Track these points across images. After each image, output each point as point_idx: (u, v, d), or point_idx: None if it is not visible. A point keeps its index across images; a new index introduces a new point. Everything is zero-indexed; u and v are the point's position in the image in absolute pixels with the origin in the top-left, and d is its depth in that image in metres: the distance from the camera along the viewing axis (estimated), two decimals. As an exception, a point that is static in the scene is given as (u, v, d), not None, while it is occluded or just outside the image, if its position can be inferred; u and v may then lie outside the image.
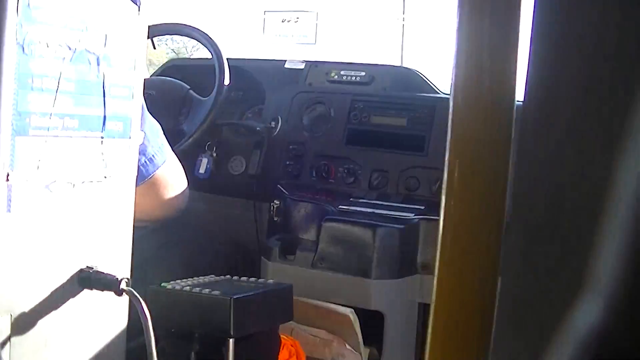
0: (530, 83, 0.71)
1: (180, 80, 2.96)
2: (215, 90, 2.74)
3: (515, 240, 0.74)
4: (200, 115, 2.74)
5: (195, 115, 2.78)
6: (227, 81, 2.73)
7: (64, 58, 1.48)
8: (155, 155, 1.99)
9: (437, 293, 0.77)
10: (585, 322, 0.59)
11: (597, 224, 0.63)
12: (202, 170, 2.91)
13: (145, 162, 1.95)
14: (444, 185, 0.75)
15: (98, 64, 1.56)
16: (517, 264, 0.74)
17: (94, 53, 1.55)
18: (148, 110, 1.98)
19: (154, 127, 2.01)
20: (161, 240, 2.48)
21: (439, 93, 2.86)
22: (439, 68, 3.00)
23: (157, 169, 2.01)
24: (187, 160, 2.59)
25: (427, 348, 0.80)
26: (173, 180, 2.12)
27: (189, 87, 2.89)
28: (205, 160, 2.92)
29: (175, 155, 2.13)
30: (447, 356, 0.81)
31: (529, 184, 0.72)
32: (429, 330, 0.79)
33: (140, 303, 1.59)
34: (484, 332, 0.77)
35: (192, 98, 2.86)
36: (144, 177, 1.96)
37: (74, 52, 1.50)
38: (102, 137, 1.60)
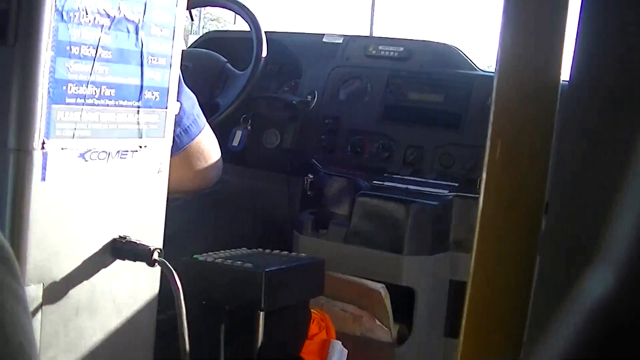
0: (577, 64, 0.70)
1: (218, 52, 2.96)
2: (252, 64, 2.73)
3: (554, 220, 0.73)
4: (236, 89, 2.73)
5: (231, 89, 2.77)
6: (264, 53, 2.72)
7: (103, 26, 1.48)
8: (190, 127, 1.98)
9: (474, 271, 0.76)
10: (594, 291, 0.58)
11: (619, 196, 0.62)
12: (235, 143, 2.90)
13: (180, 133, 1.95)
14: (485, 164, 0.74)
15: (137, 33, 1.56)
16: (555, 246, 0.73)
17: (132, 21, 1.54)
18: (184, 82, 1.97)
19: (190, 98, 2.01)
20: (194, 213, 2.48)
21: (477, 70, 2.84)
22: (478, 45, 2.97)
23: (192, 140, 2.00)
24: (222, 133, 2.58)
25: (463, 326, 0.79)
26: (207, 151, 2.11)
27: (226, 60, 2.88)
28: (239, 133, 2.91)
29: (210, 127, 2.13)
30: (481, 336, 0.80)
31: (570, 165, 0.71)
32: (465, 309, 0.78)
33: (173, 274, 1.59)
34: (520, 313, 0.76)
35: (228, 71, 2.85)
36: (179, 148, 1.95)
37: (113, 20, 1.50)
38: (138, 107, 1.59)
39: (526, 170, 0.74)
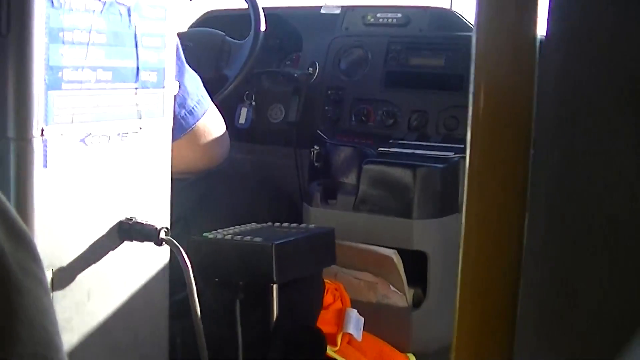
0: (552, 19, 0.70)
1: (218, 30, 2.95)
2: (251, 41, 2.73)
3: (542, 168, 0.73)
4: (241, 58, 2.73)
5: (236, 59, 2.77)
6: (262, 27, 2.71)
7: (94, 10, 1.48)
8: (195, 107, 1.99)
9: (466, 229, 0.77)
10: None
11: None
12: (242, 121, 2.90)
13: (186, 114, 1.95)
14: (469, 124, 0.75)
15: (129, 15, 1.56)
16: (544, 197, 0.73)
17: (124, 4, 1.55)
18: (187, 62, 1.97)
19: (194, 79, 2.01)
20: (203, 191, 2.49)
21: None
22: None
23: (198, 120, 2.01)
24: (227, 111, 2.59)
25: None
26: (214, 131, 2.12)
27: (224, 33, 2.88)
28: (245, 110, 2.91)
29: (215, 107, 2.13)
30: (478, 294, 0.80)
31: (552, 116, 0.72)
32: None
33: (181, 252, 1.60)
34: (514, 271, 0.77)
35: (229, 43, 2.85)
36: (185, 129, 1.96)
37: (105, 3, 1.50)
38: (136, 88, 1.60)
39: (510, 127, 0.74)
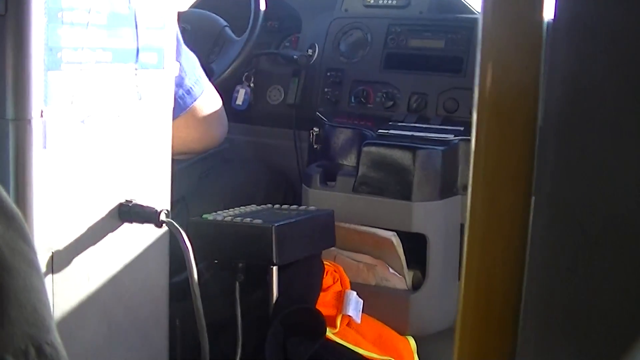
0: (561, 1, 0.69)
1: (217, 11, 2.94)
2: (250, 21, 2.72)
3: (546, 161, 0.73)
4: (231, 55, 2.72)
5: (226, 55, 2.76)
6: (262, 6, 2.70)
7: (94, -10, 1.48)
8: (193, 87, 1.99)
9: (471, 208, 0.76)
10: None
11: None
12: (239, 102, 2.89)
13: (183, 94, 1.95)
14: (475, 105, 0.74)
15: (129, -5, 1.56)
16: (550, 186, 0.73)
17: (123, -16, 1.54)
18: (186, 46, 1.97)
19: (191, 59, 2.01)
20: (202, 172, 2.49)
21: (476, 14, 2.82)
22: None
23: (195, 100, 2.01)
24: (225, 92, 2.58)
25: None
26: (212, 110, 2.12)
27: (225, 24, 2.87)
28: (242, 92, 2.91)
29: (212, 86, 2.13)
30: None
31: (560, 103, 0.71)
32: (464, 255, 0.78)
33: (181, 233, 1.60)
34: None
35: (225, 36, 2.84)
36: (183, 109, 1.96)
37: (103, -16, 1.50)
38: (136, 69, 1.59)
39: (516, 112, 0.73)
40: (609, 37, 0.68)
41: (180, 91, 1.93)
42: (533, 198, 0.75)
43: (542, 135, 0.74)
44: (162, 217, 1.60)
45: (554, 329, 0.75)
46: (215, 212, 2.04)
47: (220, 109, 2.18)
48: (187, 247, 1.60)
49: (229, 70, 2.66)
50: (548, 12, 0.73)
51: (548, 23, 0.73)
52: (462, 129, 2.47)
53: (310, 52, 2.86)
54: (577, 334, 0.73)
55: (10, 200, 0.89)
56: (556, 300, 0.74)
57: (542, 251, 0.75)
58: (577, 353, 0.74)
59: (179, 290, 1.83)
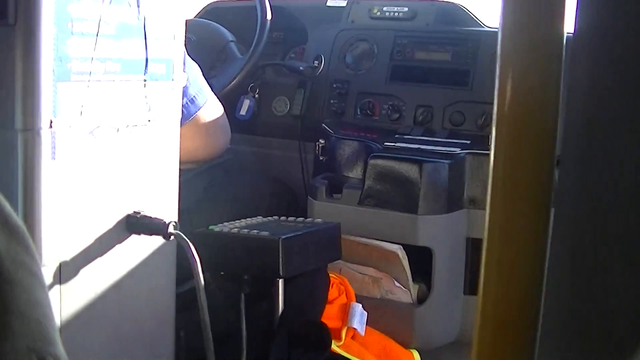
0: (581, 15, 0.69)
1: (222, 22, 2.94)
2: (257, 32, 2.72)
3: (567, 174, 0.72)
4: (230, 74, 2.71)
5: (226, 72, 2.75)
6: (269, 17, 2.70)
7: (103, 1, 1.47)
8: (196, 96, 1.99)
9: (490, 226, 0.75)
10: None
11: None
12: (243, 112, 2.89)
13: (187, 103, 1.95)
14: (494, 119, 0.73)
15: (138, 6, 1.55)
16: (571, 200, 0.72)
17: (133, -5, 1.54)
18: (189, 55, 1.97)
19: (194, 69, 2.01)
20: (206, 183, 2.48)
21: (482, 27, 2.82)
22: (482, 2, 2.93)
23: (199, 109, 2.01)
24: (229, 103, 2.57)
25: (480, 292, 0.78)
26: (215, 119, 2.12)
27: (230, 39, 2.87)
28: (247, 102, 2.90)
29: (215, 96, 2.13)
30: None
31: (581, 117, 0.70)
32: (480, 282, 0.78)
33: (189, 246, 1.59)
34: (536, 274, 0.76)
35: (229, 52, 2.83)
36: (187, 118, 1.96)
37: (113, -6, 1.49)
38: (144, 80, 1.59)
39: (535, 127, 0.73)
40: (630, 50, 0.68)
41: (184, 100, 1.93)
42: (552, 210, 0.75)
43: (562, 148, 0.73)
44: (171, 229, 1.59)
45: (572, 341, 0.74)
46: (222, 223, 2.04)
47: (223, 118, 2.18)
48: (195, 260, 1.60)
49: (232, 84, 2.66)
50: (568, 26, 0.73)
51: (568, 36, 0.73)
52: (468, 142, 2.47)
53: (316, 63, 2.86)
54: (596, 345, 0.73)
55: (13, 212, 0.88)
56: (575, 312, 0.74)
57: (561, 263, 0.74)
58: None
59: (183, 301, 1.83)
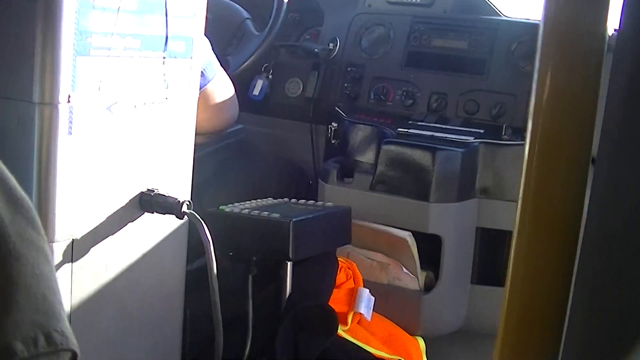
0: (627, 11, 0.68)
1: (240, 1, 2.92)
2: (273, 13, 2.70)
3: (602, 173, 0.71)
4: (247, 52, 2.70)
5: (243, 50, 2.74)
6: None
7: (125, -23, 1.46)
8: (205, 70, 1.99)
9: (520, 220, 0.75)
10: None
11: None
12: (255, 92, 2.88)
13: None
14: (530, 116, 0.72)
15: (160, -18, 1.54)
16: (604, 198, 0.71)
17: (155, -29, 1.53)
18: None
19: (204, 42, 2.00)
20: (217, 163, 2.48)
21: (500, 16, 2.80)
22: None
23: (208, 82, 2.01)
24: (243, 82, 2.57)
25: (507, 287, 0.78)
26: (223, 93, 2.12)
27: (247, 16, 2.85)
28: (260, 82, 2.89)
29: (223, 70, 2.13)
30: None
31: (619, 115, 0.69)
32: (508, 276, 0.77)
33: (203, 226, 1.59)
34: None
35: (245, 29, 2.82)
36: None
37: (135, -30, 1.48)
38: (164, 57, 1.58)
39: (572, 121, 0.72)
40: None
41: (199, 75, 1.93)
42: (587, 202, 0.74)
43: (598, 146, 0.72)
44: (184, 208, 1.59)
45: (598, 336, 0.74)
46: (232, 204, 2.03)
47: (231, 92, 2.18)
48: (208, 240, 1.59)
49: (245, 64, 2.65)
50: (612, 22, 0.72)
51: (612, 33, 0.72)
52: (482, 131, 2.46)
53: (331, 46, 2.85)
54: (621, 342, 0.72)
55: (17, 186, 0.88)
56: (603, 307, 0.73)
57: (591, 259, 0.74)
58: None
59: (189, 281, 1.82)
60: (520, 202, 0.74)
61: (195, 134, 1.97)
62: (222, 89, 2.12)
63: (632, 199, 0.68)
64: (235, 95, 2.21)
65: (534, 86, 0.72)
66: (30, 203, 0.88)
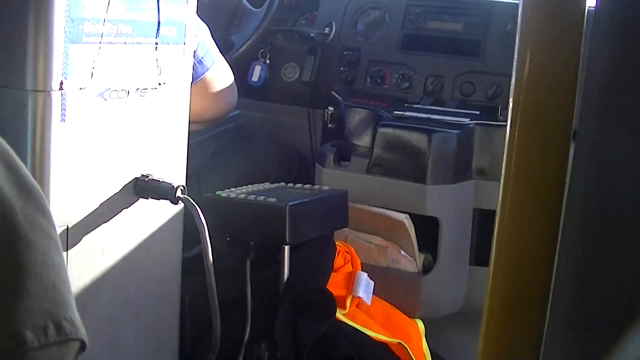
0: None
1: None
2: (267, 2, 2.71)
3: (583, 147, 0.72)
4: (250, 27, 2.71)
5: (245, 27, 2.75)
6: None
7: (117, -37, 1.46)
8: (204, 57, 1.99)
9: (502, 200, 0.75)
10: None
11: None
12: (255, 78, 2.88)
13: (195, 64, 1.94)
14: (511, 92, 0.73)
15: (151, -31, 1.54)
16: (585, 173, 0.72)
17: (146, -43, 1.53)
18: (198, 16, 1.96)
19: (203, 30, 2.00)
20: (215, 148, 2.48)
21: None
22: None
23: (207, 70, 2.01)
24: (241, 68, 2.57)
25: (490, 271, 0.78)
26: (222, 80, 2.12)
27: None
28: (258, 68, 2.89)
29: (223, 58, 2.12)
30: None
31: (599, 89, 0.70)
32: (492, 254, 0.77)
33: (197, 210, 1.59)
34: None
35: (244, 8, 2.83)
36: (195, 78, 1.95)
37: (126, -44, 1.48)
38: (156, 43, 1.58)
39: (552, 100, 0.72)
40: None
41: (192, 61, 1.93)
42: (567, 183, 0.74)
43: (579, 120, 0.73)
44: (179, 193, 1.59)
45: (580, 320, 0.74)
46: (229, 189, 2.04)
47: (230, 79, 2.18)
48: (203, 225, 1.60)
49: (249, 41, 2.65)
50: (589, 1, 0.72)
51: (589, 10, 0.72)
52: (477, 112, 2.46)
53: (327, 30, 2.85)
54: (603, 325, 0.73)
55: (29, 174, 0.88)
56: (586, 291, 0.73)
57: (573, 241, 0.74)
58: (607, 340, 0.73)
59: (188, 266, 1.83)
60: (503, 179, 0.75)
61: (195, 123, 1.98)
62: (222, 76, 2.12)
63: (612, 172, 0.69)
64: (234, 83, 2.21)
65: (515, 64, 0.73)
66: (40, 191, 0.89)
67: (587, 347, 0.73)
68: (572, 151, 0.73)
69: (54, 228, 0.89)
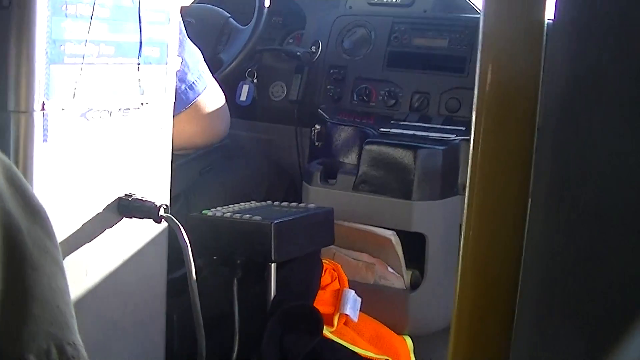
0: (560, 3, 0.69)
1: (220, 6, 2.94)
2: (255, 15, 2.72)
3: (546, 155, 0.73)
4: (239, 44, 2.72)
5: (234, 44, 2.76)
6: (267, 3, 2.70)
7: (98, -16, 1.47)
8: (196, 82, 1.98)
9: (468, 205, 0.76)
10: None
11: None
12: (243, 98, 2.89)
13: (186, 89, 1.95)
14: (475, 103, 0.74)
15: (133, -11, 1.55)
16: (549, 185, 0.73)
17: (127, -22, 1.54)
18: (190, 40, 1.97)
19: (195, 54, 2.00)
20: (202, 168, 2.49)
21: (480, 14, 2.81)
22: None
23: (198, 95, 2.00)
24: (229, 88, 2.58)
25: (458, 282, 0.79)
26: (214, 106, 2.12)
27: (229, 15, 2.87)
28: (246, 87, 2.90)
29: (216, 82, 2.13)
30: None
31: (559, 104, 0.71)
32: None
33: (180, 229, 1.60)
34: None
35: (231, 26, 2.84)
36: (186, 104, 1.95)
37: (108, -23, 1.49)
38: (138, 64, 1.59)
39: (515, 111, 0.74)
40: (609, 36, 0.68)
41: (183, 86, 1.93)
42: (531, 191, 0.75)
43: (540, 132, 0.74)
44: (162, 212, 1.60)
45: (549, 317, 0.75)
46: (215, 208, 2.04)
47: (222, 104, 2.18)
48: (186, 243, 1.60)
49: (237, 59, 2.66)
50: (548, 13, 0.73)
51: (548, 23, 0.73)
52: (463, 128, 2.47)
53: (313, 48, 2.86)
54: (574, 322, 0.73)
55: (36, 196, 0.89)
56: (553, 291, 0.74)
57: (539, 242, 0.75)
58: (575, 340, 0.74)
59: (177, 286, 1.83)
60: (468, 189, 0.76)
61: (186, 149, 1.98)
62: (214, 101, 2.11)
63: (572, 182, 0.70)
64: (226, 107, 2.21)
65: (477, 79, 0.74)
66: (46, 213, 0.89)
67: (553, 347, 0.74)
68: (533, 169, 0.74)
69: (59, 251, 0.90)
